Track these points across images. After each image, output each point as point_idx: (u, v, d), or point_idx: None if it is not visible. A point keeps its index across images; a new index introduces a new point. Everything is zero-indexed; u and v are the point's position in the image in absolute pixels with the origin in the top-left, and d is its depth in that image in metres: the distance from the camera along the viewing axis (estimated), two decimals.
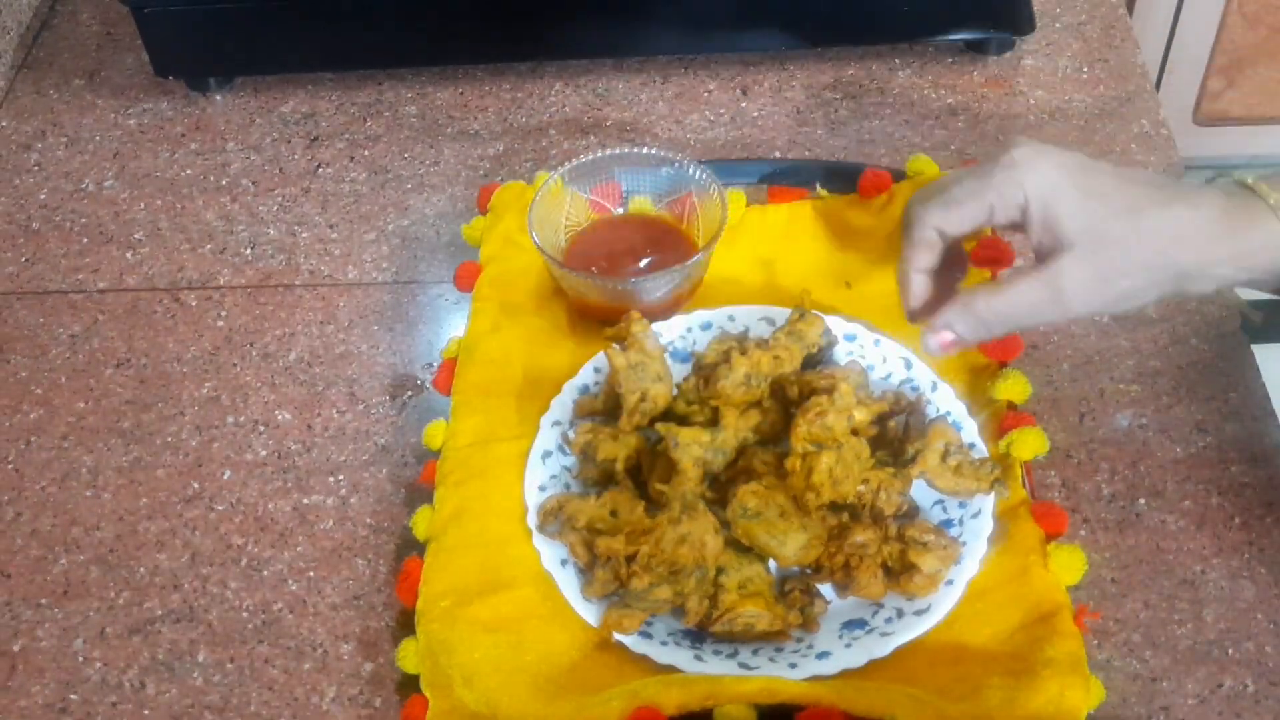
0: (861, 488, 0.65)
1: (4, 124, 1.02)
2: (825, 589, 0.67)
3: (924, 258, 0.64)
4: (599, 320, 0.77)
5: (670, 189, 0.82)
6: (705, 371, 0.69)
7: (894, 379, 0.74)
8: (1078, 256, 0.59)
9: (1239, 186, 0.61)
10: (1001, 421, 0.71)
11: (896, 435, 0.69)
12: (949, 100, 0.96)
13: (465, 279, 0.83)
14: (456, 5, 0.96)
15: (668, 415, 0.70)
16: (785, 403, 0.69)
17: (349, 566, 0.72)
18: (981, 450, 0.70)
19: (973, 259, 0.72)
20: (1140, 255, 0.59)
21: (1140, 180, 0.61)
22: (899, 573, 0.65)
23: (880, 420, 0.69)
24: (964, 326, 0.63)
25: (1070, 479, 0.72)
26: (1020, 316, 0.62)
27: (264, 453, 0.78)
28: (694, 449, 0.67)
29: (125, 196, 0.95)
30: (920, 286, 0.65)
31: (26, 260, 0.91)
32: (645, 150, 0.82)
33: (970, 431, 0.70)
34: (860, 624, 0.65)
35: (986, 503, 0.68)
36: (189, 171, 0.96)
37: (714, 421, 0.69)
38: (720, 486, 0.68)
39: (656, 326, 0.73)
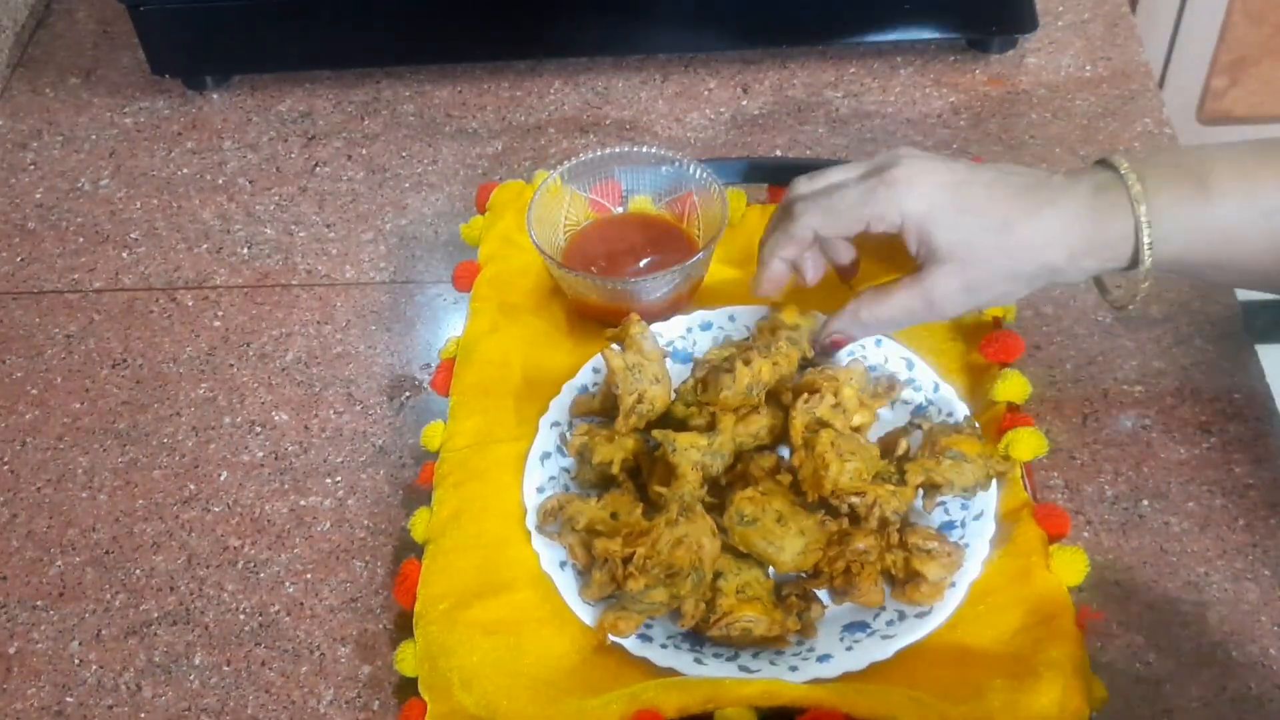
0: (855, 499, 0.64)
1: (0, 123, 1.02)
2: (823, 594, 0.66)
3: (791, 250, 0.69)
4: (598, 320, 0.76)
5: (670, 188, 0.82)
6: (706, 377, 0.69)
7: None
8: (948, 271, 0.65)
9: (1110, 174, 0.64)
10: (1001, 423, 0.71)
11: (906, 453, 0.68)
12: (951, 99, 0.96)
13: (463, 279, 0.82)
14: (455, 3, 0.96)
15: (666, 417, 0.70)
16: (782, 406, 0.68)
17: (346, 568, 0.72)
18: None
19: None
20: (1007, 266, 0.65)
21: (1014, 187, 0.65)
22: (904, 581, 0.64)
23: (887, 441, 0.69)
24: (852, 329, 0.70)
25: (1073, 480, 0.72)
26: (898, 321, 0.69)
27: (261, 454, 0.77)
28: (692, 453, 0.66)
29: (121, 196, 0.95)
30: (777, 272, 0.70)
31: (22, 260, 0.91)
32: (645, 149, 0.82)
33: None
34: (862, 626, 0.65)
35: (989, 504, 0.67)
36: (185, 170, 0.96)
37: (712, 426, 0.68)
38: (719, 490, 0.68)
39: (656, 327, 0.73)
